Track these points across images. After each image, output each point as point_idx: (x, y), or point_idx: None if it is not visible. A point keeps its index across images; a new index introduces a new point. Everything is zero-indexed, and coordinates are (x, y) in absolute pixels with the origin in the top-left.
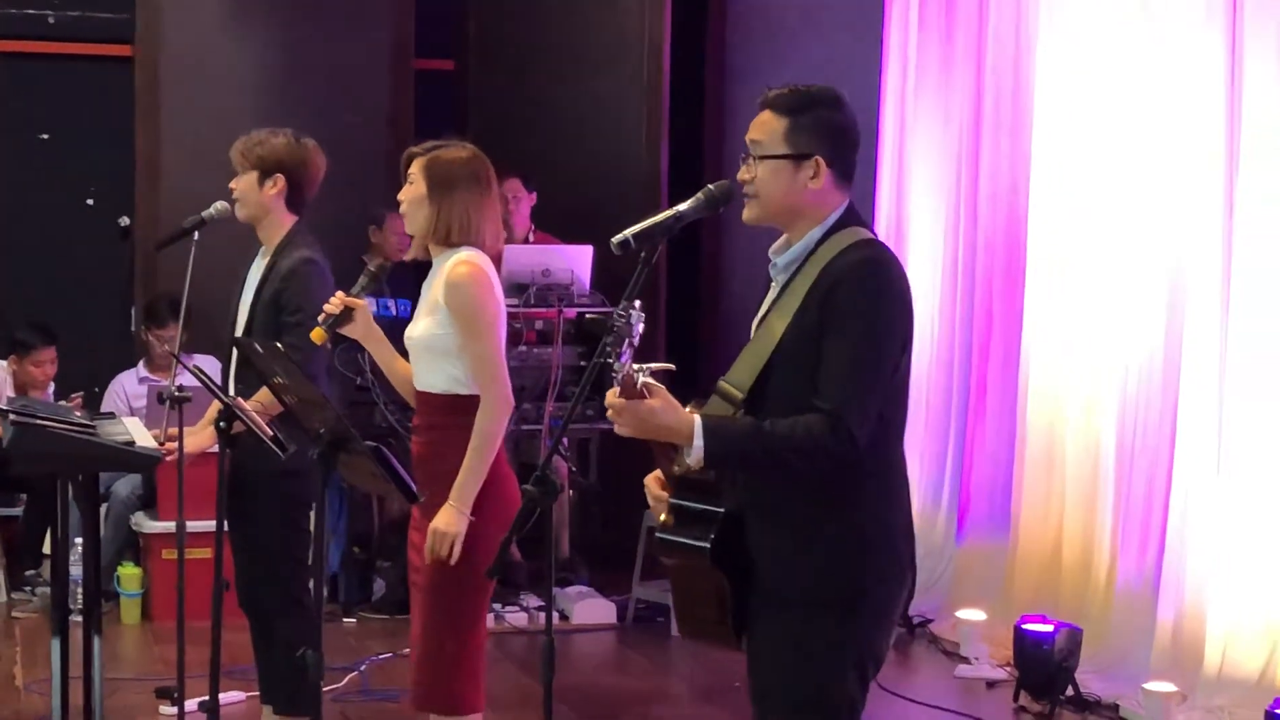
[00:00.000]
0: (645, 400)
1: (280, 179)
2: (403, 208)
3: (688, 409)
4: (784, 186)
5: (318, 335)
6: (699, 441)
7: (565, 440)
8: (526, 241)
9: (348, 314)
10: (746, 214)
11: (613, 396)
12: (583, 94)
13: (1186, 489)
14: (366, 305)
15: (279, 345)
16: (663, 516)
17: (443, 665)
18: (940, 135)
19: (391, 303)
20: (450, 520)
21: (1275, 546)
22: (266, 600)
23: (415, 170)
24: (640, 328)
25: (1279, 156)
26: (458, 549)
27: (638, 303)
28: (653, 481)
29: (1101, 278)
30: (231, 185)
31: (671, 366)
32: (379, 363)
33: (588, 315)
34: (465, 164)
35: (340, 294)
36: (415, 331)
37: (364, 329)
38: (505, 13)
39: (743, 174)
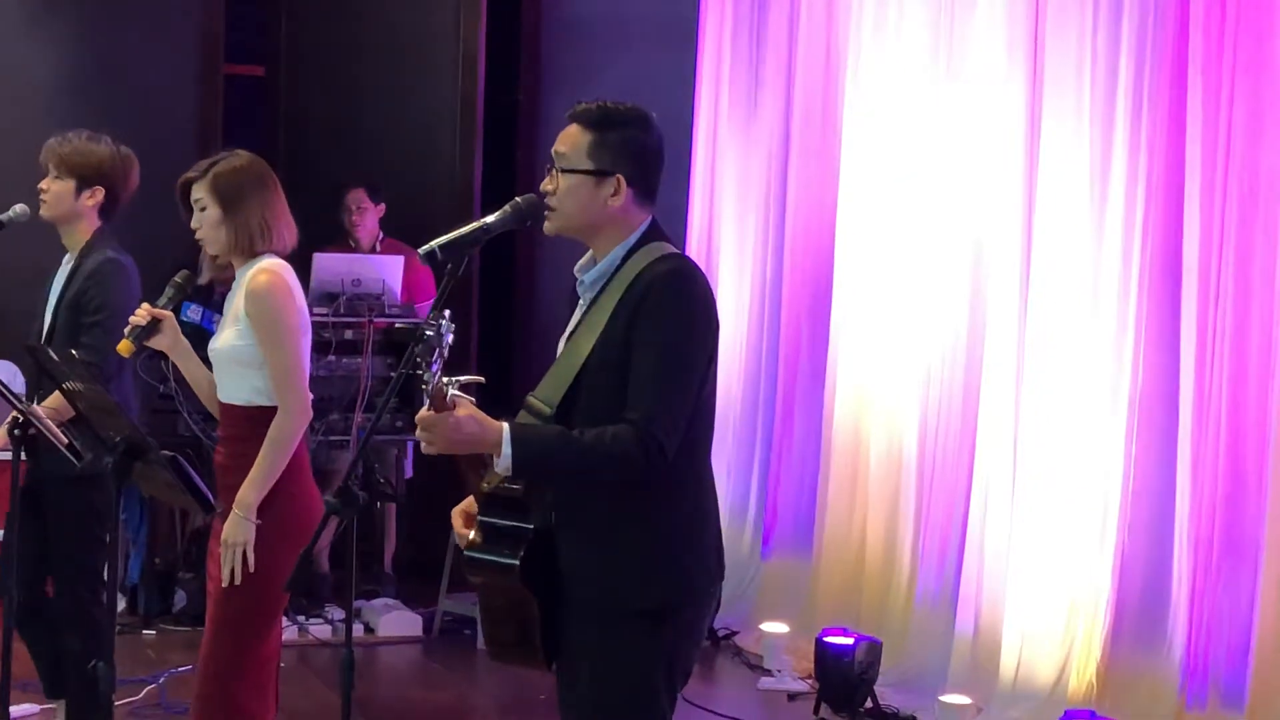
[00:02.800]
0: (452, 413)
1: (100, 191)
2: (200, 233)
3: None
4: (584, 201)
5: (124, 348)
6: (507, 449)
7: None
8: (374, 251)
9: (155, 326)
10: (547, 226)
11: (424, 413)
12: (396, 103)
13: (984, 504)
14: (173, 317)
15: (74, 353)
16: (471, 535)
17: (227, 675)
18: (751, 153)
19: (217, 316)
20: (236, 529)
21: (1067, 560)
22: (57, 611)
23: (202, 194)
24: (450, 338)
25: (1074, 180)
26: (250, 557)
27: (447, 313)
28: (458, 516)
29: (905, 295)
30: (42, 186)
31: (481, 379)
32: (186, 375)
33: (398, 325)
34: (248, 171)
35: (146, 306)
36: (218, 343)
37: (171, 340)
38: (318, 19)
39: (546, 184)
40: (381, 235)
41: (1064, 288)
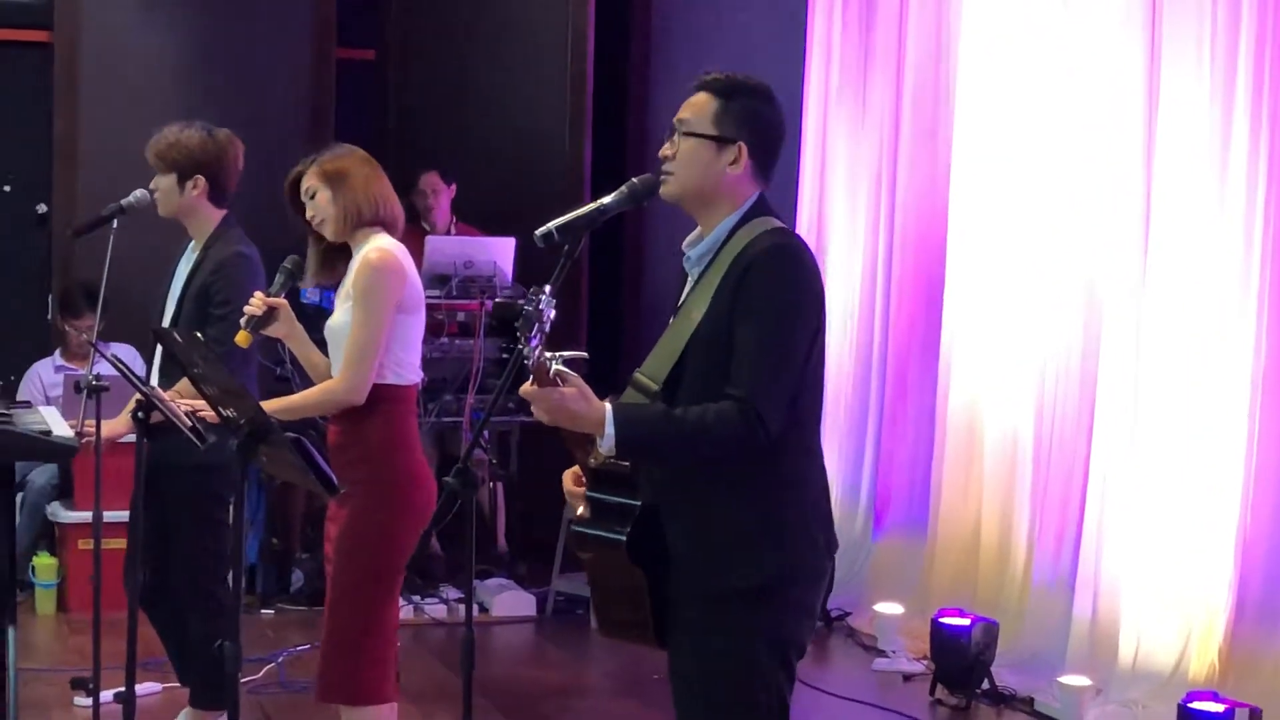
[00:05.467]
0: (558, 388)
1: (200, 180)
2: (316, 221)
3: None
4: (703, 167)
5: (242, 338)
6: (610, 429)
7: (486, 433)
8: (448, 234)
9: (270, 314)
10: (663, 190)
11: (527, 386)
12: (506, 85)
13: (1103, 485)
14: (287, 304)
15: (198, 335)
16: (580, 510)
17: (348, 655)
18: (862, 132)
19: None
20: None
21: (1189, 541)
22: (178, 593)
23: (311, 181)
24: (551, 314)
25: (1194, 155)
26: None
27: (548, 288)
28: (569, 478)
29: (1020, 274)
30: (153, 185)
31: (585, 355)
32: (301, 360)
33: (499, 300)
34: (351, 154)
35: (260, 295)
36: (332, 321)
37: (286, 328)
38: (427, 2)
39: (664, 150)
40: (454, 219)
41: (1184, 266)
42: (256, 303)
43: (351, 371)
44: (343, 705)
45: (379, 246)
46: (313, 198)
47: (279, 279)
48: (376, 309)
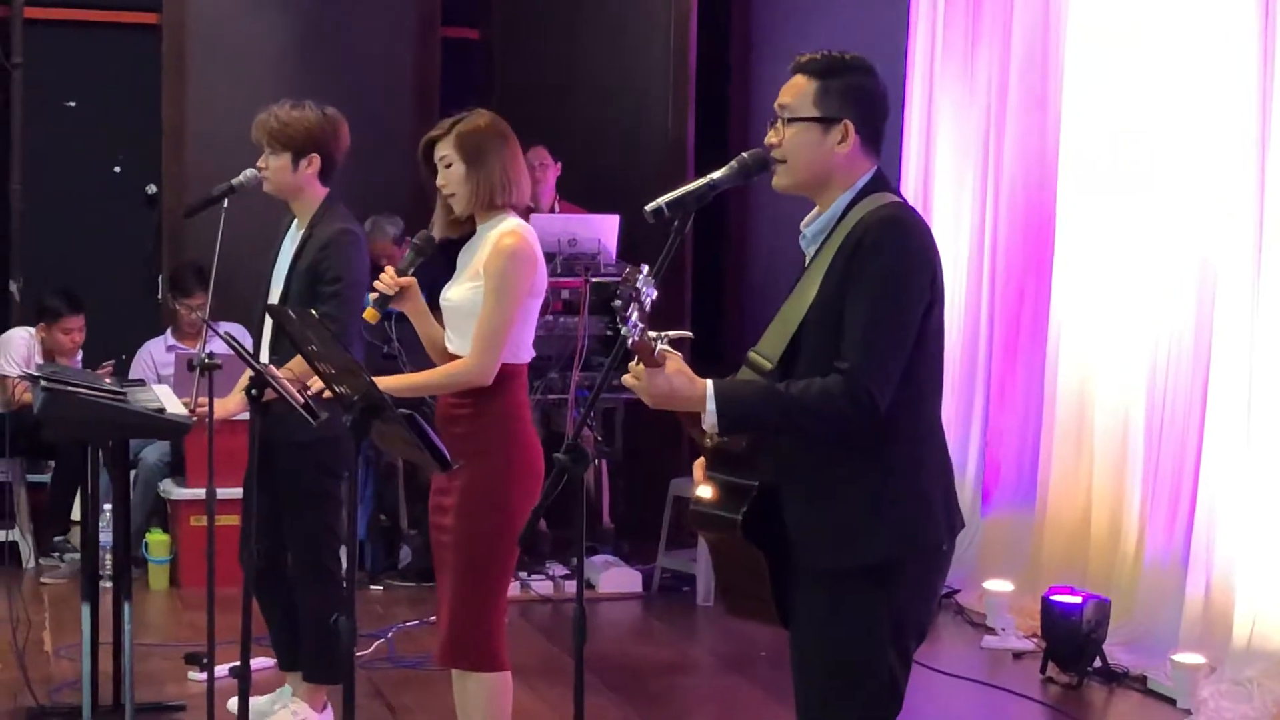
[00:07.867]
0: (660, 368)
1: (316, 158)
2: (447, 190)
3: None
4: (812, 150)
5: (371, 315)
6: (710, 405)
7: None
8: (552, 211)
9: (400, 292)
10: (776, 181)
11: (633, 367)
12: (609, 62)
13: (1216, 461)
14: (415, 282)
15: (312, 312)
16: (701, 492)
17: (477, 622)
18: (968, 105)
19: None
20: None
21: None
22: (292, 569)
23: (447, 150)
24: (652, 293)
25: None
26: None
27: (645, 267)
28: (698, 467)
29: (1132, 248)
30: (261, 164)
31: (690, 334)
32: (421, 334)
33: (598, 280)
34: (490, 127)
35: (391, 270)
36: (453, 295)
37: (413, 304)
38: None
39: (770, 138)
40: (558, 197)
41: None
42: (388, 280)
43: (483, 357)
44: (470, 671)
45: (514, 231)
46: (448, 167)
47: (409, 255)
48: (510, 296)
